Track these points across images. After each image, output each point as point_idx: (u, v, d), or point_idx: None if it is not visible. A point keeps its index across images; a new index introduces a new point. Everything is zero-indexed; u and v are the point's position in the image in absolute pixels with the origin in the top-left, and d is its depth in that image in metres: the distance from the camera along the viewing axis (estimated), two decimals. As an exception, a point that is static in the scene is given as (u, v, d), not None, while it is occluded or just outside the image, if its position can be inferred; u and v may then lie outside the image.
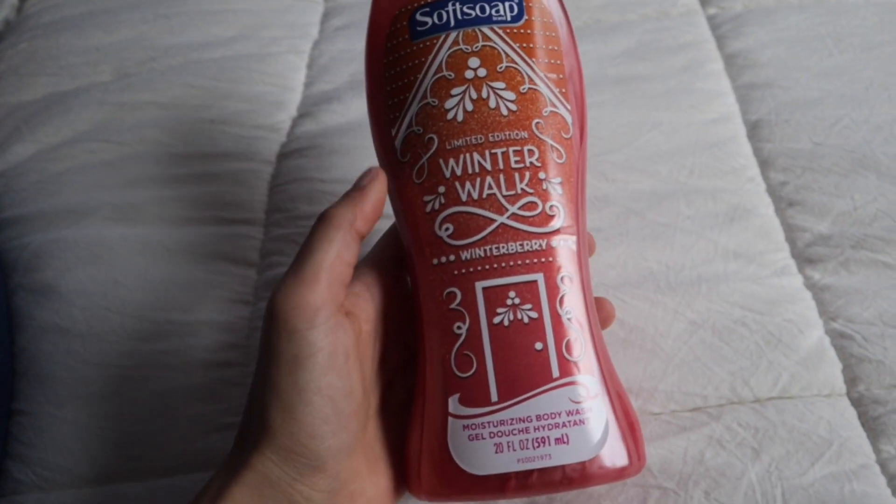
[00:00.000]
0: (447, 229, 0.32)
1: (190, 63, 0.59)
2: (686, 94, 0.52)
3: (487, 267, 0.32)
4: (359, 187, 0.33)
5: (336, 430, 0.30)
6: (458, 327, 0.32)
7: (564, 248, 0.32)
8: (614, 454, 0.31)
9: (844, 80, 0.52)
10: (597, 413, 0.31)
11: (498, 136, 0.32)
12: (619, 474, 0.31)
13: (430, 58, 0.33)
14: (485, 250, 0.32)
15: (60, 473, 0.40)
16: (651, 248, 0.44)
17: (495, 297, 0.31)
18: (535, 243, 0.32)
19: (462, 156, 0.32)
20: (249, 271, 0.46)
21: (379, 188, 0.33)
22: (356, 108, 0.54)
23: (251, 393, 0.31)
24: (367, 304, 0.33)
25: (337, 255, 0.31)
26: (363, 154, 0.50)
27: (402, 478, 0.34)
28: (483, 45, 0.33)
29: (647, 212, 0.45)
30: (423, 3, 0.34)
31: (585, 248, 0.34)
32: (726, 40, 0.56)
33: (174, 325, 0.44)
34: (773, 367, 0.39)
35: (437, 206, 0.32)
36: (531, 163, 0.32)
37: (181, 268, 0.46)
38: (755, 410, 0.38)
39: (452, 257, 0.32)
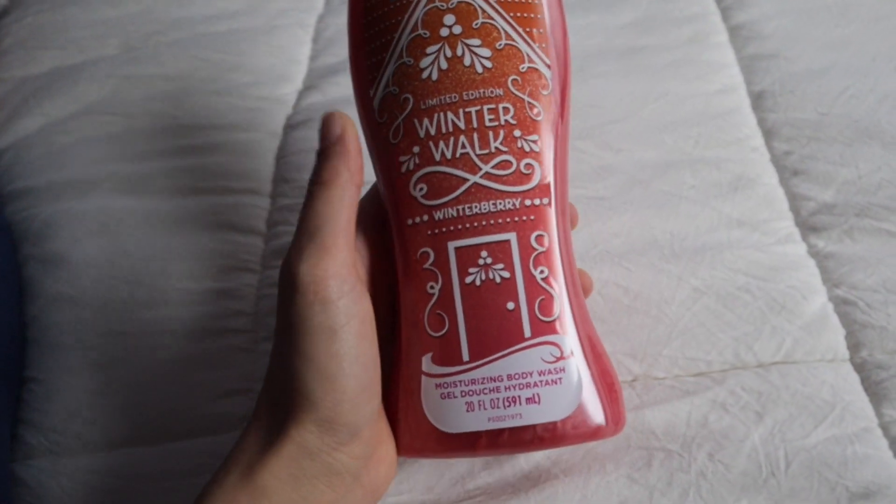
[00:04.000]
0: (421, 189, 0.32)
1: (196, 36, 0.59)
2: (691, 65, 0.52)
3: (460, 227, 0.32)
4: (338, 140, 0.32)
5: (371, 397, 0.31)
6: (431, 287, 0.32)
7: (539, 207, 0.32)
8: (588, 415, 0.31)
9: (850, 50, 0.52)
10: (570, 373, 0.31)
11: (472, 95, 0.32)
12: (593, 434, 0.32)
13: (407, 16, 0.33)
14: (457, 210, 0.32)
15: (72, 438, 0.41)
16: (656, 217, 0.44)
17: (467, 257, 0.32)
18: (509, 202, 0.32)
19: (436, 115, 0.32)
20: (256, 240, 0.47)
21: (352, 133, 0.32)
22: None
23: (277, 365, 0.31)
24: (359, 266, 0.33)
25: (348, 219, 0.31)
26: (369, 125, 0.50)
27: None
28: (459, 2, 0.33)
29: (652, 181, 0.46)
30: None
31: (566, 208, 0.33)
32: (731, 12, 0.56)
33: (182, 294, 0.44)
34: (776, 333, 0.39)
35: (411, 166, 0.32)
36: (506, 120, 0.32)
37: (189, 237, 0.47)
38: (758, 375, 0.38)
39: (426, 217, 0.32)
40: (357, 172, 0.32)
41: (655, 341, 0.39)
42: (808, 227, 0.44)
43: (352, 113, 0.51)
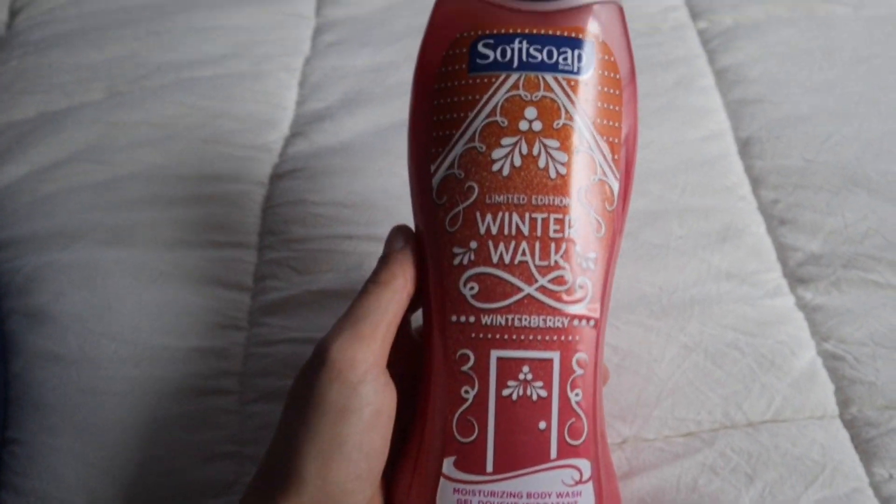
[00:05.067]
0: (472, 288, 0.31)
1: (182, 81, 0.59)
2: (678, 111, 0.52)
3: (506, 337, 0.31)
4: (401, 249, 0.33)
5: (364, 487, 0.31)
6: (466, 391, 0.31)
7: (585, 328, 0.31)
8: None
9: (835, 94, 0.52)
10: (586, 497, 0.31)
11: (541, 200, 0.31)
12: None
13: (486, 97, 0.31)
14: (507, 319, 0.31)
15: (55, 503, 0.40)
16: (644, 270, 0.44)
17: (508, 369, 0.31)
18: (558, 320, 0.31)
19: (501, 213, 0.31)
20: (243, 295, 0.46)
21: (414, 247, 0.33)
22: (349, 128, 0.53)
23: (280, 436, 0.31)
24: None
25: (393, 318, 0.32)
26: (355, 175, 0.50)
27: None
28: (543, 96, 0.31)
29: (640, 232, 0.46)
30: (487, 31, 0.32)
31: (604, 329, 0.33)
32: (717, 55, 0.56)
33: (168, 351, 0.44)
34: (765, 390, 0.39)
35: (465, 261, 0.31)
36: (569, 234, 0.31)
37: (175, 292, 0.46)
38: (748, 435, 0.38)
39: (472, 319, 0.31)
40: (411, 282, 0.32)
41: (645, 402, 0.39)
42: (795, 279, 0.44)
43: (340, 161, 0.51)
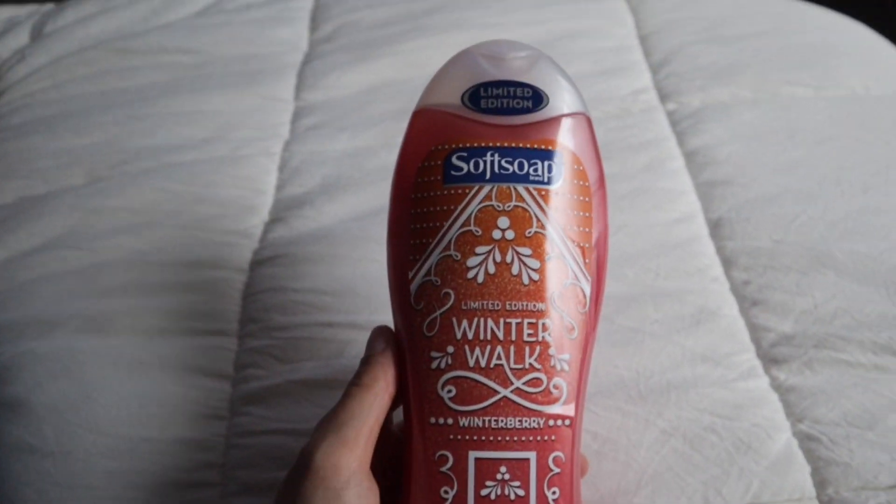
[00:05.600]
0: (449, 391, 0.32)
1: (162, 166, 0.60)
2: (649, 195, 0.54)
3: (483, 438, 0.32)
4: (382, 353, 0.34)
5: None
6: (445, 492, 0.32)
7: (561, 427, 0.32)
8: None
9: (799, 174, 0.54)
10: None
11: (515, 306, 0.32)
12: None
13: (460, 208, 0.33)
14: (483, 421, 0.32)
15: None
16: (621, 355, 0.45)
17: (486, 470, 0.31)
18: (534, 421, 0.32)
19: (476, 319, 0.32)
20: (224, 384, 0.46)
21: (394, 350, 0.34)
22: (328, 214, 0.54)
23: None
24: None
25: (376, 421, 0.32)
26: (335, 262, 0.51)
27: None
28: (515, 206, 0.32)
29: (615, 316, 0.46)
30: (460, 144, 0.33)
31: (580, 426, 0.33)
32: (686, 136, 0.58)
33: (148, 444, 0.44)
34: (743, 475, 0.40)
35: (443, 364, 0.32)
36: (543, 337, 0.32)
37: (155, 381, 0.46)
38: (729, 520, 0.38)
39: (450, 421, 0.32)
40: (392, 384, 0.33)
41: (625, 489, 0.39)
42: (769, 359, 0.45)
43: (320, 248, 0.52)
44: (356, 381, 0.33)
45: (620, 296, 0.47)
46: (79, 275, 0.53)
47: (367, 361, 0.34)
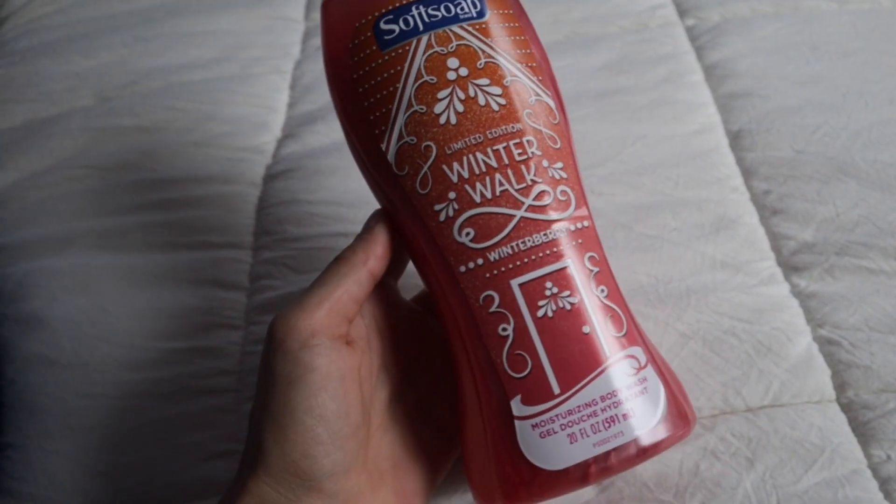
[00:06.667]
0: (468, 234, 0.32)
1: (171, 86, 0.59)
2: (668, 106, 0.52)
3: (518, 263, 0.32)
4: (368, 228, 0.34)
5: (329, 451, 0.31)
6: (504, 329, 0.32)
7: (584, 230, 0.33)
8: (675, 416, 0.32)
9: (822, 87, 0.53)
10: (652, 381, 0.32)
11: (495, 132, 0.32)
12: (684, 431, 0.32)
13: (407, 65, 0.33)
14: (512, 247, 0.32)
15: (53, 507, 0.40)
16: (640, 261, 0.44)
17: (534, 291, 0.32)
18: (557, 230, 0.32)
19: (465, 158, 0.32)
20: (239, 295, 0.46)
21: (383, 230, 0.34)
22: (340, 129, 0.53)
23: (251, 416, 0.32)
24: (357, 322, 0.34)
25: (345, 290, 0.32)
26: (349, 174, 0.50)
27: (409, 490, 0.34)
28: (458, 45, 0.33)
29: (634, 224, 0.46)
30: (383, 10, 0.33)
31: (596, 230, 0.34)
32: (705, 51, 0.57)
33: (164, 353, 0.44)
34: (763, 376, 0.39)
35: (451, 212, 0.32)
36: (532, 153, 0.33)
37: (169, 294, 0.46)
38: (748, 420, 0.38)
39: (481, 261, 0.32)
40: (376, 260, 0.33)
41: (644, 389, 0.39)
42: (789, 267, 0.44)
43: (334, 161, 0.51)
44: (335, 257, 0.33)
45: (639, 204, 0.47)
46: (91, 193, 0.53)
47: (354, 240, 0.34)
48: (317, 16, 0.65)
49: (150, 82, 0.59)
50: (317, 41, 0.62)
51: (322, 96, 0.57)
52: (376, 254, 0.33)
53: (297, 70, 0.60)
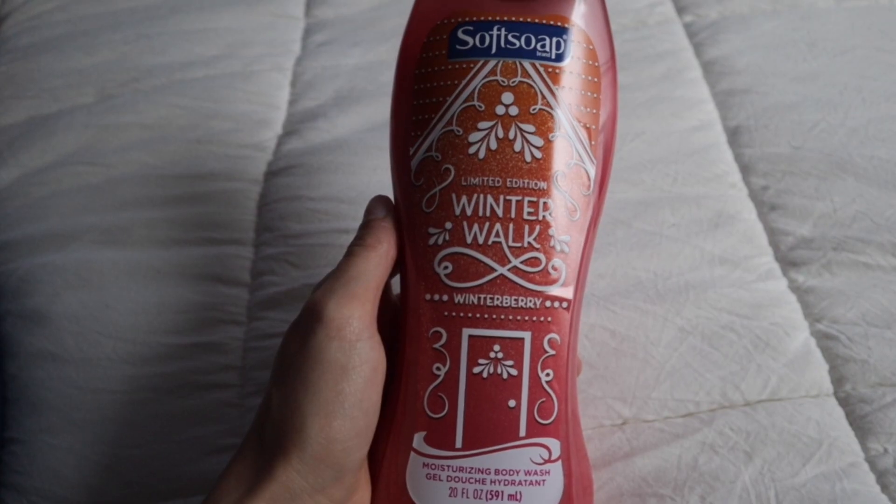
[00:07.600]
0: (446, 268, 0.32)
1: (173, 83, 0.59)
2: (666, 103, 0.53)
3: (478, 315, 0.31)
4: (384, 219, 0.33)
5: (363, 444, 0.31)
6: (438, 368, 0.31)
7: (559, 310, 0.32)
8: None
9: (819, 84, 0.53)
10: (555, 477, 0.31)
11: (516, 183, 0.31)
12: None
13: (464, 82, 0.32)
14: (479, 298, 0.31)
15: (57, 502, 0.40)
16: (639, 257, 0.44)
17: (479, 347, 0.31)
18: (530, 300, 0.31)
19: (476, 195, 0.31)
20: (241, 291, 0.46)
21: (392, 217, 0.33)
22: (342, 126, 0.54)
23: (275, 395, 0.31)
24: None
25: (380, 282, 0.32)
26: (351, 171, 0.50)
27: None
28: (520, 81, 0.32)
29: (633, 221, 0.46)
30: (466, 18, 0.32)
31: (579, 312, 0.33)
32: (703, 48, 0.57)
33: (167, 349, 0.44)
34: (761, 371, 0.40)
35: (440, 241, 0.32)
36: (544, 216, 0.31)
37: (172, 290, 0.46)
38: (746, 414, 0.38)
39: (446, 297, 0.31)
40: (394, 248, 0.33)
41: (644, 384, 0.39)
42: (787, 263, 0.44)
43: (335, 158, 0.51)
44: (359, 241, 0.33)
45: (638, 200, 0.47)
46: (93, 189, 0.53)
47: (368, 225, 0.33)
48: (317, 13, 0.65)
49: (152, 79, 0.60)
50: (317, 38, 0.62)
51: (323, 93, 0.57)
52: (395, 244, 0.33)
53: (297, 67, 0.60)
